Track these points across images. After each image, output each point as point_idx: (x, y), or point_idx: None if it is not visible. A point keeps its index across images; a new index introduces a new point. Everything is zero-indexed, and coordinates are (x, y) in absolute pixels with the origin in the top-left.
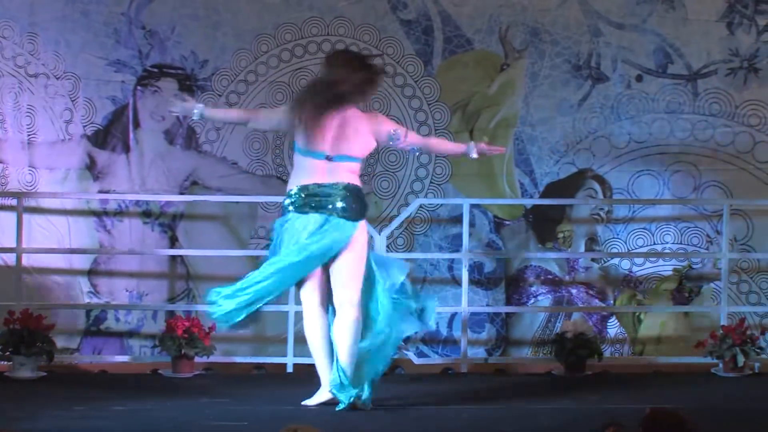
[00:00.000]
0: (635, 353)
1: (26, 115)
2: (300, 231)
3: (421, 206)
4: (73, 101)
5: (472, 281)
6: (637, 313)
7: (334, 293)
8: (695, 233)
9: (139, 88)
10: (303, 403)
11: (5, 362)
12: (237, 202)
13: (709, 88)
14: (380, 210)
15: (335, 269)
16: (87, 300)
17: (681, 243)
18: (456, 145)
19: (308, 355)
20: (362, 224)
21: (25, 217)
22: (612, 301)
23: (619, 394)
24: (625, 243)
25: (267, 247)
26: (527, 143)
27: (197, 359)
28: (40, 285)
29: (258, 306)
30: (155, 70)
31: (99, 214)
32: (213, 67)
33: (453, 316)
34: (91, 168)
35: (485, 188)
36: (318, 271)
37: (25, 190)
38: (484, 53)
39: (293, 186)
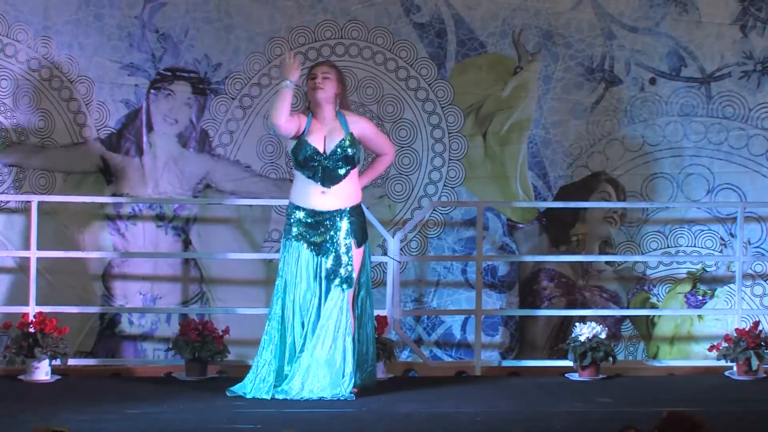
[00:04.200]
0: (649, 356)
1: (40, 119)
2: None
3: (434, 209)
4: (86, 105)
5: (485, 284)
6: (650, 316)
7: None
8: (709, 236)
9: (152, 91)
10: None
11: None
12: (250, 206)
13: (723, 90)
14: (393, 213)
15: None
16: (101, 303)
17: (695, 246)
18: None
19: None
20: None
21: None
22: (626, 304)
23: (633, 397)
24: (639, 246)
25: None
26: (541, 146)
27: (210, 362)
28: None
29: None
30: (168, 73)
31: (112, 218)
32: (226, 71)
33: (466, 319)
34: (105, 171)
35: (499, 191)
36: None
37: (39, 194)
38: (497, 56)
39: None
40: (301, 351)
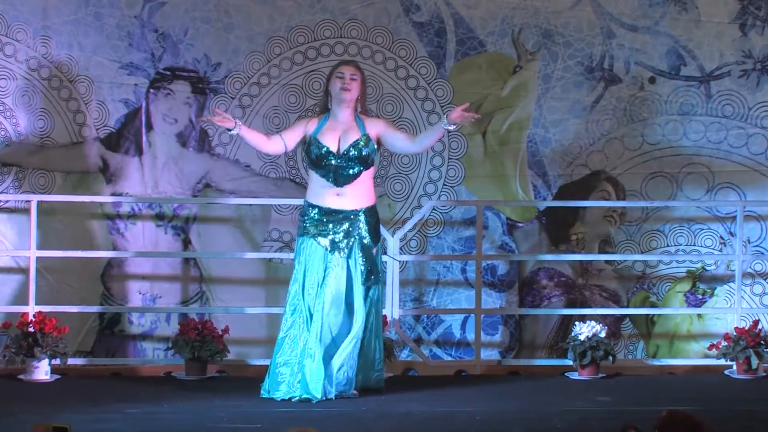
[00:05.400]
0: (649, 355)
1: (39, 118)
2: None
3: (434, 208)
4: (86, 104)
5: (485, 283)
6: (650, 315)
7: None
8: (708, 235)
9: (151, 90)
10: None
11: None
12: (250, 205)
13: (722, 89)
14: (393, 212)
15: None
16: (100, 303)
17: (694, 245)
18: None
19: None
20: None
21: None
22: (625, 303)
23: (632, 396)
24: (639, 244)
25: (281, 249)
26: (540, 145)
27: (210, 362)
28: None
29: None
30: (168, 73)
31: (112, 217)
32: (226, 70)
33: (466, 318)
34: (104, 171)
35: (498, 190)
36: None
37: (39, 193)
38: (496, 55)
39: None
40: (313, 351)
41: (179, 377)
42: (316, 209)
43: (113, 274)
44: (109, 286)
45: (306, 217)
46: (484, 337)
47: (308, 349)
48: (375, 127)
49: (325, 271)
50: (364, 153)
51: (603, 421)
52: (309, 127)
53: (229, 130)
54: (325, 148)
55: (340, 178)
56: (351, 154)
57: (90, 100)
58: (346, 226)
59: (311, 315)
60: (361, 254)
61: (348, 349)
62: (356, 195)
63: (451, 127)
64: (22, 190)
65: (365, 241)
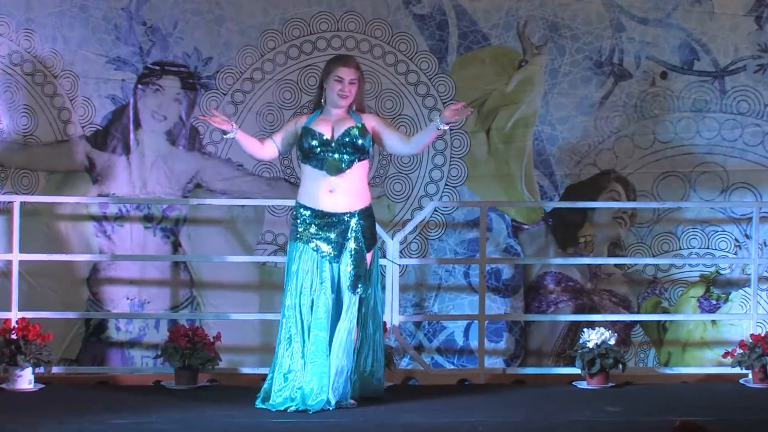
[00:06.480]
0: (660, 363)
1: (23, 115)
2: None
3: (435, 209)
4: (71, 100)
5: (489, 288)
6: (662, 321)
7: None
8: (723, 237)
9: (140, 86)
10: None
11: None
12: (243, 206)
13: (737, 85)
14: (393, 214)
15: None
16: (86, 308)
17: (708, 247)
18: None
19: None
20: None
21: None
22: (636, 309)
23: (643, 405)
24: (650, 247)
25: (275, 252)
26: (547, 143)
27: (201, 370)
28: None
29: None
30: (157, 67)
31: (98, 219)
32: (217, 65)
33: (469, 324)
34: (90, 170)
35: (502, 190)
36: None
37: (22, 194)
38: (501, 49)
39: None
40: (313, 362)
41: (169, 386)
42: (309, 211)
43: (99, 279)
44: (95, 291)
45: (298, 220)
46: (488, 344)
47: (308, 360)
48: (370, 122)
49: (320, 282)
50: (358, 142)
51: None
52: (299, 123)
53: (225, 133)
54: (318, 135)
55: (333, 168)
56: (345, 140)
57: (75, 97)
58: (339, 229)
59: (309, 326)
60: (351, 260)
61: (342, 357)
62: (350, 193)
63: (445, 127)
64: (4, 191)
65: (358, 246)
